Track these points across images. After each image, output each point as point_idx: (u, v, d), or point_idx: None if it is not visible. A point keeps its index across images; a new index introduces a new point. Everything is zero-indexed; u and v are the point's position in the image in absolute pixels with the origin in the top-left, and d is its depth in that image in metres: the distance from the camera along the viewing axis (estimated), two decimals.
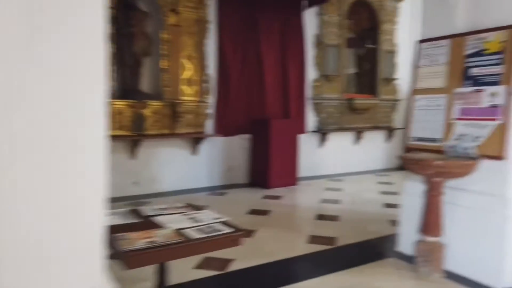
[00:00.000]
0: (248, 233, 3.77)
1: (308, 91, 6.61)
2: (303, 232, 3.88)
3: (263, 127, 5.88)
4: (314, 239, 3.67)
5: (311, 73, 6.63)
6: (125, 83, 5.11)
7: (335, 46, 6.73)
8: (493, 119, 2.66)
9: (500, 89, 2.64)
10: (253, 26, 5.95)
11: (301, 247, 3.46)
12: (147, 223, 1.89)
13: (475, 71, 2.79)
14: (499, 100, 2.64)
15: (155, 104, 5.18)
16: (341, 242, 3.62)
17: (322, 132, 6.78)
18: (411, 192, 3.21)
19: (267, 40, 6.07)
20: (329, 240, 3.66)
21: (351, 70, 7.45)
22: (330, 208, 4.87)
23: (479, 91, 2.75)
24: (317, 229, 4.02)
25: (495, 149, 2.61)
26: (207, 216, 2.02)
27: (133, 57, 5.18)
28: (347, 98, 6.99)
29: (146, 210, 2.13)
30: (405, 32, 7.33)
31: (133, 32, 5.16)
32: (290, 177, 6.05)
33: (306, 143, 6.54)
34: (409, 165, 2.81)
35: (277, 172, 5.86)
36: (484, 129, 2.69)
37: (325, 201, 5.23)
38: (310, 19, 6.50)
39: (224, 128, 5.84)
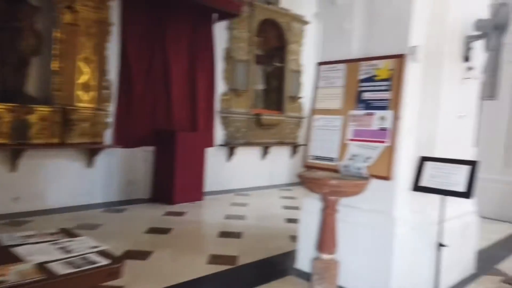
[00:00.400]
0: (143, 255, 3.48)
1: (217, 105, 6.53)
2: (205, 251, 3.72)
3: (169, 139, 5.61)
4: (215, 259, 3.53)
5: (220, 86, 6.57)
6: (6, 84, 4.46)
7: (244, 62, 6.78)
8: (382, 141, 2.83)
9: (388, 113, 2.82)
10: (160, 33, 5.70)
11: (200, 269, 3.29)
12: (3, 256, 1.56)
13: (367, 96, 2.96)
14: (387, 124, 2.82)
15: (43, 109, 4.60)
16: (242, 261, 3.54)
17: (230, 146, 6.73)
18: (309, 209, 3.27)
19: (175, 49, 5.86)
20: (230, 259, 3.55)
21: (260, 86, 7.59)
22: (234, 224, 4.79)
23: (370, 114, 2.92)
24: (219, 247, 3.89)
25: (383, 170, 2.77)
26: (82, 245, 1.75)
27: (18, 55, 4.56)
28: (255, 113, 7.07)
29: (6, 238, 1.78)
30: (310, 54, 7.72)
31: (19, 28, 4.55)
32: (195, 192, 5.86)
33: (214, 157, 6.43)
34: (306, 184, 2.85)
35: (182, 186, 5.62)
36: (374, 151, 2.85)
37: (230, 217, 5.14)
38: (220, 32, 6.46)
39: (125, 139, 5.44)
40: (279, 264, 3.54)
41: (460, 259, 3.31)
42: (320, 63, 3.29)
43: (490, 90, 3.68)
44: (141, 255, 3.50)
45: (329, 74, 3.24)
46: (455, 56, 3.14)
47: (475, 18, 3.10)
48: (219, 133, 6.62)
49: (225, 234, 4.33)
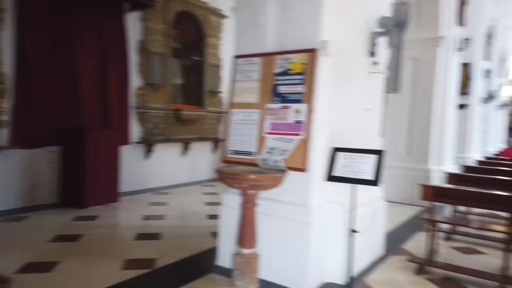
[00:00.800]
0: (47, 266, 3.14)
1: (132, 100, 6.17)
2: (119, 256, 3.47)
3: (78, 137, 5.15)
4: (131, 264, 3.31)
5: (134, 80, 6.22)
6: None
7: (160, 55, 6.50)
8: (298, 134, 2.87)
9: (302, 106, 2.88)
10: (64, 23, 5.18)
11: (113, 276, 3.05)
12: None
13: (282, 89, 2.98)
14: (302, 117, 2.87)
15: None
16: (161, 262, 3.38)
17: (148, 143, 6.42)
18: (229, 204, 3.23)
19: (82, 40, 5.38)
20: (147, 262, 3.36)
21: (178, 80, 7.35)
22: (153, 225, 4.56)
23: (286, 108, 2.95)
24: (136, 251, 3.66)
25: (299, 162, 2.82)
26: None
27: None
28: (174, 108, 6.83)
29: None
30: (229, 48, 7.68)
31: None
32: (110, 194, 5.47)
33: (130, 155, 6.08)
34: (225, 179, 2.79)
35: (94, 188, 5.21)
36: (290, 143, 2.89)
37: (149, 217, 4.89)
38: (133, 23, 6.10)
39: (25, 139, 4.87)
40: (200, 262, 3.45)
41: (371, 243, 3.53)
42: (237, 56, 3.24)
43: (393, 84, 3.96)
44: (45, 267, 3.15)
45: (245, 67, 3.20)
46: (362, 51, 3.31)
47: (379, 15, 3.30)
48: (135, 130, 6.27)
49: (142, 236, 4.10)
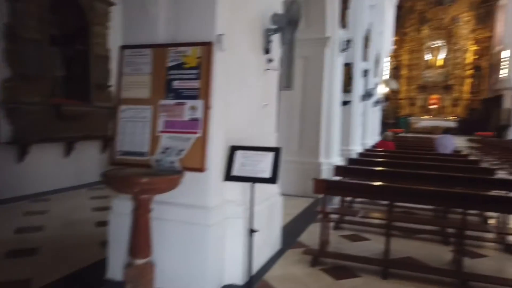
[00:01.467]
0: None
1: None
2: None
3: None
4: None
5: (0, 71, 5.32)
6: None
7: (35, 42, 5.66)
8: (194, 132, 2.72)
9: (198, 103, 2.73)
10: None
11: None
12: None
13: (177, 84, 2.79)
14: (198, 114, 2.73)
15: None
16: (38, 283, 2.92)
17: (21, 144, 5.57)
18: (119, 210, 2.93)
19: None
20: (20, 285, 2.87)
21: (60, 72, 6.54)
22: (28, 238, 3.95)
23: (181, 104, 2.77)
24: (5, 272, 3.11)
25: (196, 162, 2.68)
26: None
27: None
28: (54, 103, 6.05)
29: None
30: (118, 38, 7.09)
31: None
32: None
33: None
34: (113, 184, 2.50)
35: None
36: (186, 142, 2.72)
37: (23, 230, 4.23)
38: None
39: None
40: (87, 277, 3.07)
41: (269, 239, 3.57)
42: (124, 47, 2.94)
43: (286, 81, 4.07)
44: None
45: (134, 59, 2.92)
46: (257, 48, 3.29)
47: (273, 12, 3.31)
48: (4, 129, 5.38)
49: (14, 253, 3.51)
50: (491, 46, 24.06)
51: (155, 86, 2.85)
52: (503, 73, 20.96)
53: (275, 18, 3.29)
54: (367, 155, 7.37)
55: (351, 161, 6.12)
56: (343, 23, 6.97)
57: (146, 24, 2.85)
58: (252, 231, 2.80)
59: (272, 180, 2.64)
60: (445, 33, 24.82)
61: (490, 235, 4.08)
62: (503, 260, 3.75)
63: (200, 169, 2.67)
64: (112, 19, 7.11)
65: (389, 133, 9.09)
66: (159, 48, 2.83)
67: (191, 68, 2.76)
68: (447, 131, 9.17)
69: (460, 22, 24.21)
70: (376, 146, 9.43)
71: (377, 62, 14.00)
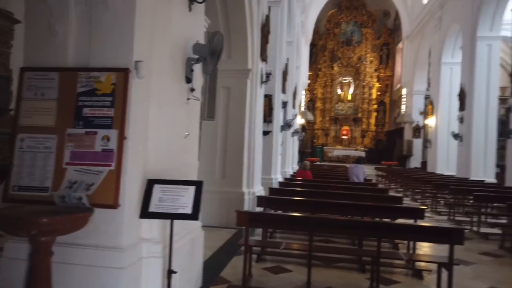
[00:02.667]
0: None
1: None
2: None
3: None
4: None
5: None
6: None
7: None
8: (107, 165, 2.48)
9: (112, 132, 2.51)
10: None
11: None
12: None
13: (87, 112, 2.55)
14: (112, 145, 2.50)
15: None
16: None
17: None
18: (13, 255, 2.52)
19: None
20: None
21: None
22: None
23: (92, 134, 2.52)
24: None
25: (109, 197, 2.43)
26: None
27: None
28: None
29: None
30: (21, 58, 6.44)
31: None
32: None
33: None
34: (4, 226, 2.14)
35: None
36: (97, 176, 2.46)
37: None
38: None
39: None
40: None
41: (190, 277, 3.35)
42: (25, 69, 2.62)
43: (209, 111, 4.00)
44: None
45: (38, 83, 2.61)
46: (179, 76, 3.18)
47: (195, 41, 3.25)
48: None
49: None
50: (392, 84, 26.95)
51: (61, 113, 2.57)
52: (403, 108, 23.47)
53: (197, 47, 3.23)
54: (288, 184, 7.54)
55: (272, 191, 6.18)
56: (264, 57, 7.21)
57: (53, 45, 2.58)
58: (170, 272, 2.58)
59: (193, 216, 2.49)
60: (353, 70, 27.19)
61: (402, 262, 4.34)
62: (414, 285, 3.98)
63: (113, 205, 2.42)
64: (16, 37, 6.47)
65: (307, 162, 9.46)
66: (68, 72, 2.57)
67: (104, 95, 2.55)
68: (359, 161, 9.83)
69: (366, 61, 26.80)
70: (295, 175, 9.73)
71: (295, 94, 14.73)
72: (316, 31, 26.85)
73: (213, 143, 6.54)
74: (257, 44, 6.88)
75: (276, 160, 10.42)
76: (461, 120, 13.46)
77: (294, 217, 3.57)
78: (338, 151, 26.38)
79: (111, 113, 2.53)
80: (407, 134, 22.19)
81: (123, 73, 2.52)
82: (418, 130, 20.95)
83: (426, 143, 18.10)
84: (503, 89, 15.41)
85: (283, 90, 10.95)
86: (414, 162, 21.45)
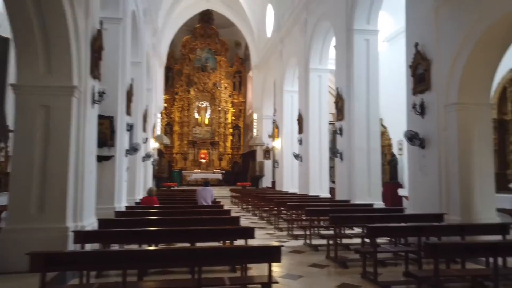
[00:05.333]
0: None
1: None
2: None
3: None
4: None
5: None
6: None
7: None
8: None
9: None
10: None
11: None
12: None
13: None
14: None
15: None
16: None
17: None
18: None
19: None
20: None
21: None
22: None
23: None
24: None
25: None
26: None
27: None
28: None
29: None
30: None
31: None
32: None
33: None
34: None
35: None
36: None
37: None
38: None
39: None
40: None
41: None
42: None
43: None
44: None
45: None
46: None
47: None
48: None
49: None
50: (245, 109, 28.55)
51: None
52: (254, 132, 24.99)
53: None
54: (126, 214, 6.91)
55: (103, 222, 5.51)
56: (95, 74, 6.57)
57: None
58: None
59: None
60: (209, 95, 27.88)
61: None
62: None
63: None
64: None
65: (153, 188, 8.95)
66: None
67: None
68: (206, 183, 9.81)
69: (221, 87, 27.82)
70: (141, 202, 9.08)
71: (146, 117, 14.10)
72: (171, 55, 26.77)
73: (28, 170, 5.53)
74: (86, 60, 6.22)
75: (120, 187, 9.59)
76: (300, 142, 14.90)
77: (108, 253, 3.10)
78: (196, 174, 26.35)
79: None
80: (259, 156, 23.58)
81: None
82: (268, 152, 22.48)
83: (274, 163, 19.46)
84: (333, 114, 17.82)
85: (128, 112, 10.29)
86: (266, 182, 22.86)
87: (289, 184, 17.09)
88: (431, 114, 7.12)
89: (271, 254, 3.20)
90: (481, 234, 5.18)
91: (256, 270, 5.16)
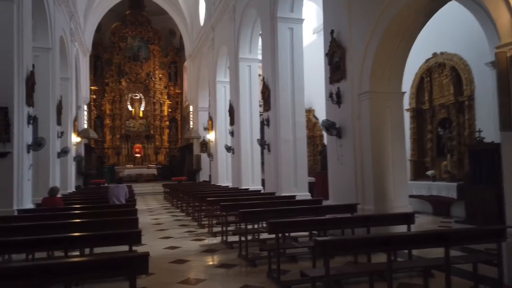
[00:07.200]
0: None
1: None
2: None
3: None
4: None
5: None
6: None
7: None
8: None
9: None
10: None
11: None
12: None
13: None
14: None
15: None
16: None
17: None
18: None
19: None
20: None
21: None
22: None
23: None
24: None
25: None
26: None
27: None
28: None
29: None
30: None
31: None
32: None
33: None
34: None
35: None
36: None
37: None
38: None
39: None
40: None
41: None
42: None
43: None
44: None
45: None
46: None
47: None
48: None
49: None
50: (182, 101, 27.52)
51: None
52: (191, 124, 24.14)
53: None
54: (14, 219, 6.03)
55: None
56: None
57: None
58: None
59: None
60: (143, 86, 26.43)
61: None
62: None
63: None
64: None
65: (56, 188, 8.03)
66: None
67: None
68: (119, 180, 9.05)
69: (155, 78, 26.52)
70: (41, 203, 8.11)
71: (60, 109, 12.82)
72: (99, 43, 25.01)
73: None
74: None
75: (20, 187, 8.51)
76: (232, 134, 14.47)
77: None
78: (130, 170, 25.02)
79: None
80: (196, 149, 22.85)
81: None
82: (205, 145, 21.83)
83: (210, 156, 18.89)
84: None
85: (29, 103, 9.14)
86: (203, 175, 22.19)
87: (224, 177, 16.65)
88: (347, 103, 6.99)
89: (132, 265, 2.69)
90: (387, 225, 5.08)
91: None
